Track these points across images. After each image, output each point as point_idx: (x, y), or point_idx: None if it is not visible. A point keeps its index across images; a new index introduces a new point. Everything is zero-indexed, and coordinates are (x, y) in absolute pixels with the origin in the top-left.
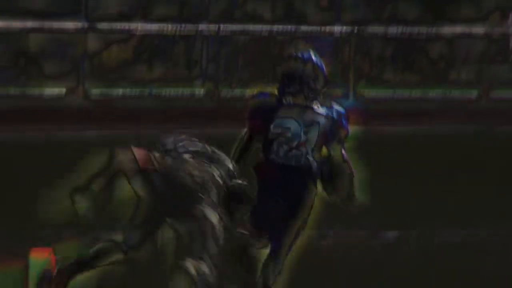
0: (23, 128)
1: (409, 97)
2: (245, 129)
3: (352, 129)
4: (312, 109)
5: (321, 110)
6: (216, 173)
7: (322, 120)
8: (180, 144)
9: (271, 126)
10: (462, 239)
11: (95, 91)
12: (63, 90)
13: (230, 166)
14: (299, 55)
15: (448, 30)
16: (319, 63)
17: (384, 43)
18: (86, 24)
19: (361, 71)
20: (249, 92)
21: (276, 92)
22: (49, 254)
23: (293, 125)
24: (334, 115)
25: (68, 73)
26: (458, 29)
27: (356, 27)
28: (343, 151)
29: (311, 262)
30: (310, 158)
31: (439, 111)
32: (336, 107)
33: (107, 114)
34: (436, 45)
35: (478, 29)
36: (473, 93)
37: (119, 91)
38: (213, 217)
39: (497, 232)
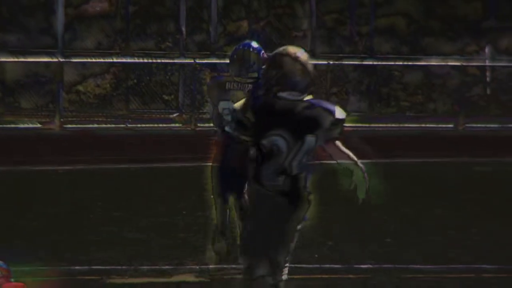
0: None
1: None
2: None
3: None
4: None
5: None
6: None
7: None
8: None
9: (218, 106)
10: None
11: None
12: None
13: None
14: (248, 46)
15: (424, 62)
16: (259, 50)
17: (360, 76)
18: (61, 59)
19: (338, 103)
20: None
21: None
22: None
23: (229, 105)
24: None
25: (45, 106)
26: (434, 61)
27: (331, 61)
28: None
29: None
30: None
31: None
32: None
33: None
34: (412, 77)
35: (454, 62)
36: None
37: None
38: None
39: None
